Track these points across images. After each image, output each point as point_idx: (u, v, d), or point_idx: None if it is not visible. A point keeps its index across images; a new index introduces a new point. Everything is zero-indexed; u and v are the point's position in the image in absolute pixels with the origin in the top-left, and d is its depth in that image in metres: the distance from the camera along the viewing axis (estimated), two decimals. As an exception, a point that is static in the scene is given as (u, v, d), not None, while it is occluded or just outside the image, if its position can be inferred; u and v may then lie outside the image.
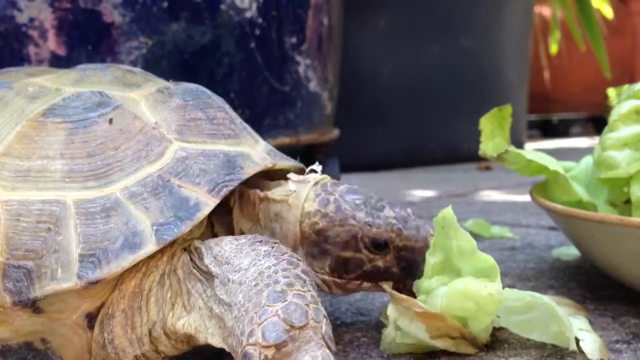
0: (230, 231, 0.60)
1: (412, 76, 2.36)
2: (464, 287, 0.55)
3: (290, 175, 0.59)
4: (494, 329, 0.60)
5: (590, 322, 0.62)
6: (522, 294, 0.57)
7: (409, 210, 0.59)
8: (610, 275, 0.73)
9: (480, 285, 0.55)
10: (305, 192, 0.57)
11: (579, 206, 0.75)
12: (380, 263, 0.57)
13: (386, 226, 0.56)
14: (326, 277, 0.57)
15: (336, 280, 0.57)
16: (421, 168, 2.35)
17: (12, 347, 0.52)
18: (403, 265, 0.57)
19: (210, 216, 0.58)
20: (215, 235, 0.59)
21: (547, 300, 0.56)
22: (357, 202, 0.57)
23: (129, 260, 0.49)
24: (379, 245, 0.56)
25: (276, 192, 0.59)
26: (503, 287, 0.56)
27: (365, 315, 0.70)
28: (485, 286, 0.54)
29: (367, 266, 0.56)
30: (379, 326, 0.63)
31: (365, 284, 0.58)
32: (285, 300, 0.45)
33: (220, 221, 0.60)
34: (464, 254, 0.57)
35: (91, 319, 0.52)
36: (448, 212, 0.58)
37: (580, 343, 0.56)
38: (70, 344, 0.52)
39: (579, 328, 0.58)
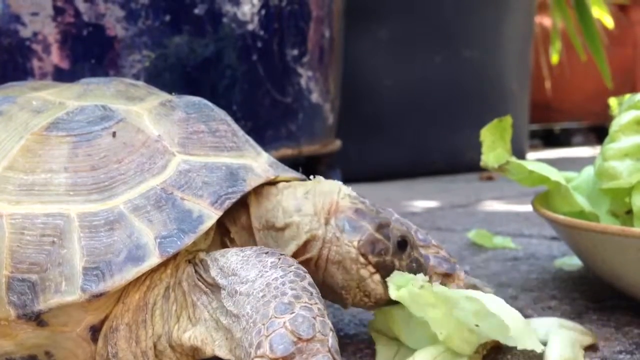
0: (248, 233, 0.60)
1: (414, 87, 2.36)
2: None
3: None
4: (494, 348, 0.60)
5: (594, 333, 0.62)
6: (456, 292, 0.54)
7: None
8: (612, 285, 0.73)
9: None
10: (337, 183, 0.60)
11: (581, 216, 0.75)
12: (396, 262, 0.58)
13: (410, 232, 0.60)
14: (351, 249, 0.57)
15: (360, 259, 0.57)
16: (423, 178, 2.35)
17: (16, 360, 0.52)
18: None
19: (224, 224, 0.58)
20: (227, 243, 0.59)
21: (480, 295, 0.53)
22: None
23: (132, 272, 0.49)
24: (402, 244, 0.58)
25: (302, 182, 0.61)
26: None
27: (368, 327, 0.70)
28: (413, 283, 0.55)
29: (388, 257, 0.57)
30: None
31: (376, 278, 0.58)
32: (293, 312, 0.45)
33: (237, 225, 0.60)
34: None
35: (95, 331, 0.52)
36: None
37: (547, 347, 0.55)
38: (74, 357, 0.53)
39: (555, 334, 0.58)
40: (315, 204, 0.58)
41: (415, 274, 0.57)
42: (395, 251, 0.57)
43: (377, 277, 0.57)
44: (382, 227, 0.58)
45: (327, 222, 0.58)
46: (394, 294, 0.56)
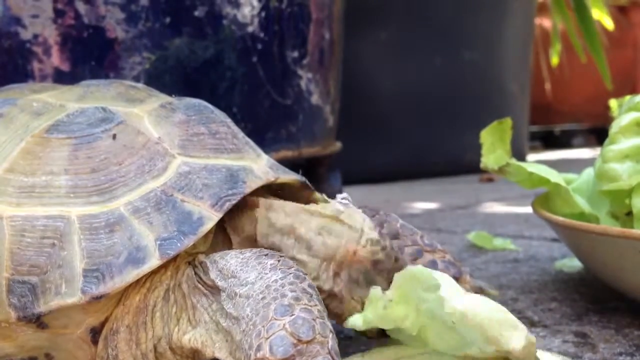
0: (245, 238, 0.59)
1: (414, 88, 2.37)
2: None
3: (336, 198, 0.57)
4: None
5: (591, 336, 0.62)
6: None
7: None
8: (613, 287, 0.73)
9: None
10: (361, 216, 0.53)
11: (581, 218, 0.75)
12: None
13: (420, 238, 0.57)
14: (357, 306, 0.53)
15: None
16: (423, 180, 2.35)
17: (16, 362, 0.52)
18: None
19: (224, 226, 0.58)
20: (227, 244, 0.59)
21: None
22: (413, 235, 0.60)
23: (132, 275, 0.49)
24: None
25: (323, 206, 0.55)
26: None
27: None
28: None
29: None
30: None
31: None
32: (293, 314, 0.45)
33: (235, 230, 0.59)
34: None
35: (95, 333, 0.52)
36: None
37: None
38: (74, 359, 0.53)
39: None
40: (327, 247, 0.53)
41: None
42: None
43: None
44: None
45: (336, 275, 0.53)
46: (358, 324, 0.52)
